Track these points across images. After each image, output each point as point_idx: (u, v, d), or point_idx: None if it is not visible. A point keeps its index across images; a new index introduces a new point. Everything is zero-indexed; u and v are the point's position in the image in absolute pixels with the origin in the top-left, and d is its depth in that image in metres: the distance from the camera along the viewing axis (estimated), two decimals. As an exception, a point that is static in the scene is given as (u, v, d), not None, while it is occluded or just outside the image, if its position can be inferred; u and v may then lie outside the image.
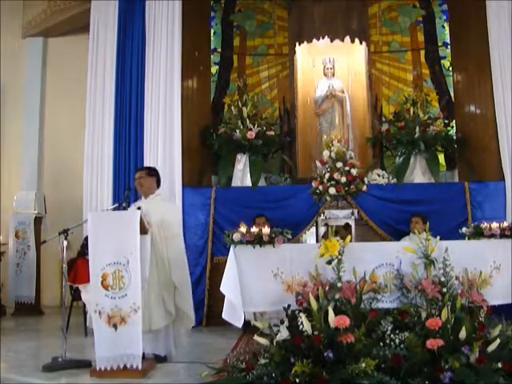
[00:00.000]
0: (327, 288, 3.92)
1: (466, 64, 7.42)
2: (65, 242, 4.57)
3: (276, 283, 4.19)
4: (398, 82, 8.04)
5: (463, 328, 3.63)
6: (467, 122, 7.34)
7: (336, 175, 6.17)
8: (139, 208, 4.54)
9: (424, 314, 3.82)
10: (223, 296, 4.29)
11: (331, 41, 7.25)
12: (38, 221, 7.89)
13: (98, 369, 4.15)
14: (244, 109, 7.17)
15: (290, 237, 4.36)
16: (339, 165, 6.23)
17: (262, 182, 7.13)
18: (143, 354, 4.28)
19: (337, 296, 3.86)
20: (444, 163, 7.53)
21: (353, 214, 6.18)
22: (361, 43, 7.35)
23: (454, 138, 7.30)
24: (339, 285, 3.92)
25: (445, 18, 8.02)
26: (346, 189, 6.20)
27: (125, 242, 4.22)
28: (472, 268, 4.17)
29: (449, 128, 7.41)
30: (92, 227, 4.34)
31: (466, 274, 4.13)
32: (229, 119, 7.48)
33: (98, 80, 7.05)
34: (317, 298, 3.85)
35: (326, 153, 6.36)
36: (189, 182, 6.87)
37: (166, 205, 4.99)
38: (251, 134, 6.99)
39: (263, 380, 3.59)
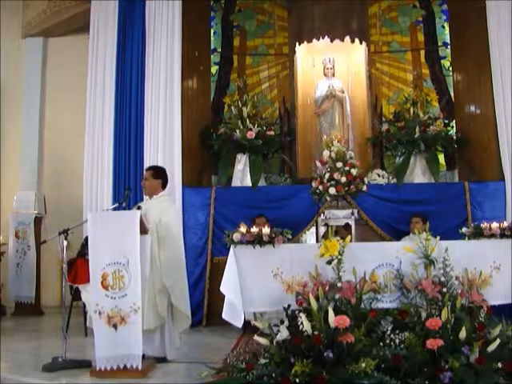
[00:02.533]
0: (327, 288, 3.93)
1: (466, 64, 7.42)
2: (65, 242, 4.57)
3: (276, 283, 4.19)
4: (397, 82, 8.04)
5: (463, 328, 3.63)
6: (467, 122, 7.35)
7: (336, 175, 6.17)
8: (139, 208, 4.54)
9: (424, 314, 3.82)
10: (223, 296, 4.29)
11: (331, 41, 7.24)
12: (38, 221, 7.89)
13: (97, 369, 4.15)
14: (244, 109, 7.17)
15: (290, 237, 4.36)
16: (339, 165, 6.22)
17: (262, 182, 7.12)
18: (143, 354, 4.28)
19: (337, 296, 3.87)
20: (444, 163, 7.53)
21: (353, 213, 6.17)
22: (361, 43, 7.35)
23: (454, 138, 7.29)
24: (339, 285, 3.92)
25: (445, 18, 8.02)
26: (346, 189, 6.20)
27: (125, 241, 4.22)
28: (472, 268, 4.17)
29: (449, 128, 7.41)
30: (92, 227, 4.34)
31: (466, 274, 4.13)
32: (229, 119, 7.48)
33: (98, 80, 7.05)
34: (317, 297, 3.85)
35: (326, 153, 6.36)
36: (189, 182, 6.87)
37: (166, 205, 4.98)
38: (251, 134, 6.99)
39: (263, 380, 3.59)
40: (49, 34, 8.71)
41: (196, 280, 6.56)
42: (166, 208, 4.92)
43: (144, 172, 5.17)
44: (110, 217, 4.63)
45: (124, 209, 5.04)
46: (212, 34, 8.14)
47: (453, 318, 3.74)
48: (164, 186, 5.04)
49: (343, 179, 6.15)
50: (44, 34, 8.68)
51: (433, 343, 3.55)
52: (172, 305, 4.71)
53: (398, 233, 6.48)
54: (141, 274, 4.21)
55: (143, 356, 4.28)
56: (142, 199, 5.70)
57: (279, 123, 7.69)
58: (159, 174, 5.05)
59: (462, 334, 3.62)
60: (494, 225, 4.42)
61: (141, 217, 4.30)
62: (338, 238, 4.06)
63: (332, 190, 6.16)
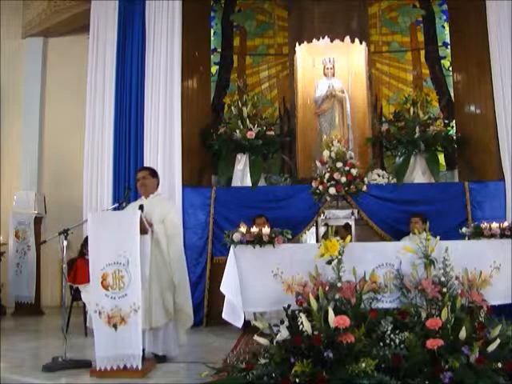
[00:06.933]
0: (327, 288, 3.92)
1: (466, 64, 7.43)
2: (65, 242, 4.57)
3: (276, 283, 4.19)
4: (397, 82, 8.03)
5: (463, 328, 3.63)
6: (467, 122, 7.35)
7: (336, 175, 6.18)
8: (141, 206, 4.55)
9: (424, 314, 3.82)
10: (223, 296, 4.29)
11: (331, 41, 7.25)
12: (38, 221, 7.89)
13: (98, 369, 4.15)
14: (244, 109, 7.17)
15: (290, 237, 4.36)
16: (339, 165, 6.23)
17: (262, 182, 7.13)
18: (143, 353, 4.29)
19: (337, 296, 3.87)
20: (444, 163, 7.53)
21: (353, 213, 6.19)
22: (361, 43, 7.36)
23: (454, 137, 7.29)
24: (339, 285, 3.92)
25: (445, 18, 8.02)
26: (346, 189, 6.21)
27: (125, 241, 4.22)
28: (472, 268, 4.17)
29: (449, 128, 7.42)
30: (92, 227, 4.34)
31: (466, 273, 4.13)
32: (229, 119, 7.48)
33: (98, 80, 7.05)
34: (317, 297, 3.85)
35: (326, 153, 6.37)
36: (189, 182, 6.87)
37: (168, 204, 5.04)
38: (251, 134, 6.99)
39: (263, 380, 3.59)
40: (49, 34, 8.72)
41: (196, 280, 6.56)
42: (169, 206, 5.00)
43: (138, 173, 5.10)
44: (110, 217, 4.63)
45: (124, 209, 5.04)
46: (212, 34, 8.14)
47: (453, 318, 3.73)
48: (158, 185, 5.08)
49: (343, 179, 6.16)
50: (44, 34, 8.70)
51: (433, 343, 3.55)
52: (174, 302, 4.72)
53: (398, 233, 6.47)
54: (141, 274, 4.22)
55: (143, 356, 4.28)
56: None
57: (279, 123, 7.70)
58: (155, 173, 5.10)
59: (462, 334, 3.62)
60: (494, 225, 4.42)
61: (141, 217, 4.30)
62: (338, 237, 4.06)
63: (332, 190, 6.17)
